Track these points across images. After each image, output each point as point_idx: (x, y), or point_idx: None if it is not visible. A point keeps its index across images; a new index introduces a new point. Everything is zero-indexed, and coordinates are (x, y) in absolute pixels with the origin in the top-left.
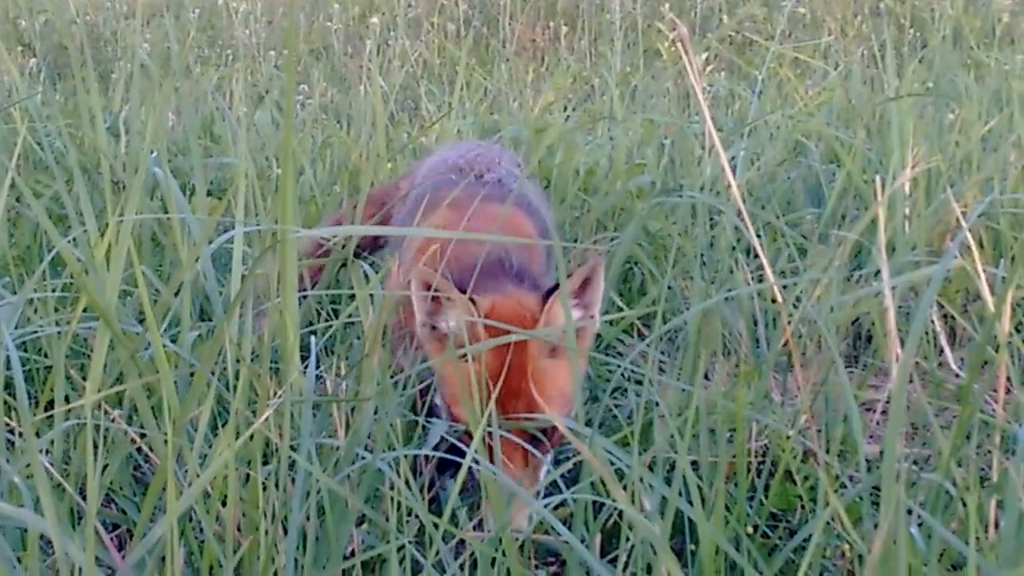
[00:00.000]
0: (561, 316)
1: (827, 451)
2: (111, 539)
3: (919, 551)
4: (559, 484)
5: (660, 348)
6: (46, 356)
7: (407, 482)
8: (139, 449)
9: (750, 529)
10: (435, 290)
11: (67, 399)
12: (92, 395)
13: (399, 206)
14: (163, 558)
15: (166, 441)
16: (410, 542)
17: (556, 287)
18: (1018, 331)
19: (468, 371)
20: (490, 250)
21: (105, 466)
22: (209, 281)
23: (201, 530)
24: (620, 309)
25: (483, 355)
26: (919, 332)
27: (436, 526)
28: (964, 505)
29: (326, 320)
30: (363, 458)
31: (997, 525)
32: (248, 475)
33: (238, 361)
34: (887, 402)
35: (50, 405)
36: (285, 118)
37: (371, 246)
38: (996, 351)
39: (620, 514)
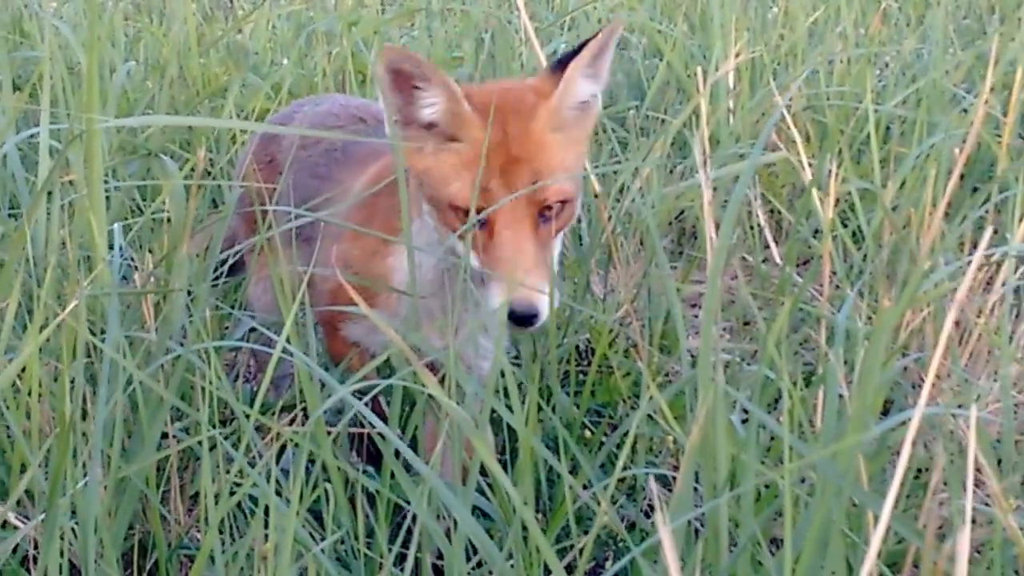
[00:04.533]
0: (578, 89)
1: (650, 345)
2: None
3: (739, 439)
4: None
5: None
6: None
7: (217, 374)
8: None
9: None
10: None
11: None
12: None
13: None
14: None
15: None
16: (224, 436)
17: (571, 56)
18: (844, 226)
19: (459, 152)
20: None
21: None
22: (17, 175)
23: (8, 428)
24: None
25: (476, 133)
26: (733, 216)
27: (248, 417)
28: (790, 397)
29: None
30: (173, 350)
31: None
32: (57, 368)
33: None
34: None
35: None
36: (90, 6)
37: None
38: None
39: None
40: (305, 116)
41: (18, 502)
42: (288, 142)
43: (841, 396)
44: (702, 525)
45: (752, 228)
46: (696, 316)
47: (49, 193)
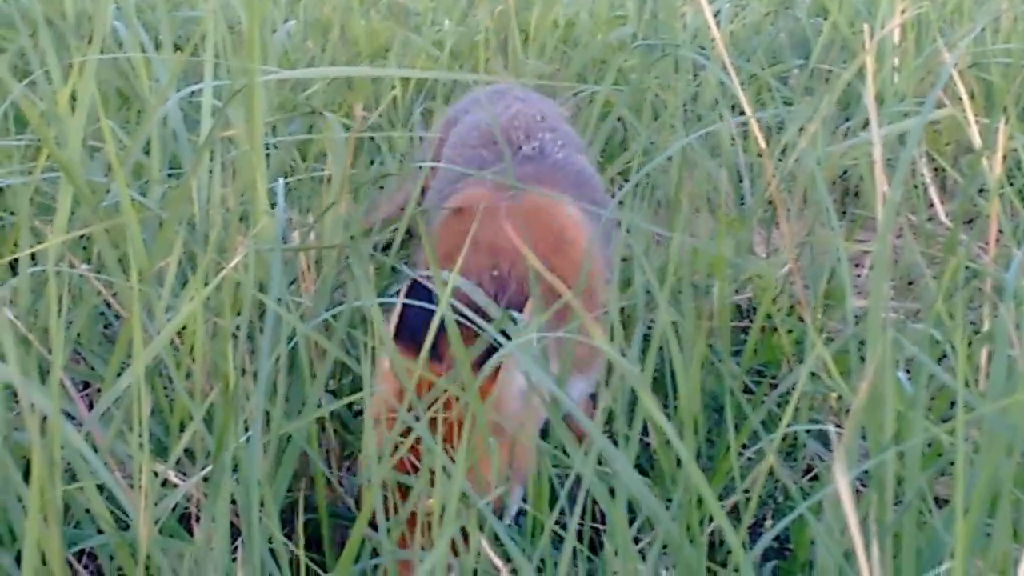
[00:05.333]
0: (515, 385)
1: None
2: (82, 397)
3: (907, 397)
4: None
5: (644, 210)
6: (12, 214)
7: (379, 331)
8: (109, 305)
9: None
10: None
11: (33, 257)
12: (57, 238)
13: (431, 184)
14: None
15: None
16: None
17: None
18: (1011, 184)
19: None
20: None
21: (72, 323)
22: (179, 133)
23: (169, 384)
24: (603, 168)
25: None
26: (904, 172)
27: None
28: (953, 349)
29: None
30: (336, 306)
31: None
32: (216, 325)
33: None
34: None
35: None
36: None
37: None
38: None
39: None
40: (465, 126)
41: (177, 461)
42: (450, 137)
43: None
44: (863, 485)
45: (917, 187)
46: (859, 276)
47: (211, 152)
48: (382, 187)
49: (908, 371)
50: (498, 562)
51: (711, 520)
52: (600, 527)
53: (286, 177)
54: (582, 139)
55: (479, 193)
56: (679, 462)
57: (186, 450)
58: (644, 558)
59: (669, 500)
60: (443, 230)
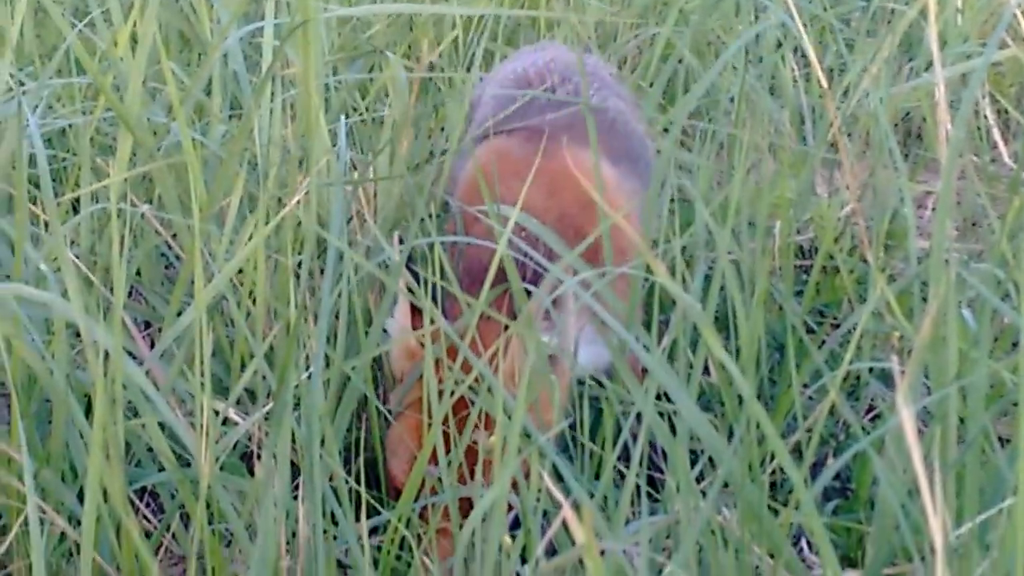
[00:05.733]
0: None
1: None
2: (143, 336)
3: (970, 335)
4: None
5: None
6: (75, 154)
7: (442, 268)
8: (170, 246)
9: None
10: None
11: (95, 196)
12: (118, 177)
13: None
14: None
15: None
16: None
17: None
18: None
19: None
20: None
21: (133, 262)
22: (240, 73)
23: (229, 324)
24: (664, 110)
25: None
26: (968, 111)
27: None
28: (1016, 289)
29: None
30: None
31: None
32: (277, 262)
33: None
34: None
35: (78, 202)
36: None
37: None
38: None
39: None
40: (502, 73)
41: (237, 400)
42: (479, 100)
43: None
44: (924, 424)
45: (979, 129)
46: (920, 217)
47: (272, 92)
48: (443, 128)
49: (971, 310)
50: (560, 497)
51: (772, 458)
52: (658, 476)
53: (347, 117)
54: (639, 84)
55: (506, 146)
56: (740, 400)
57: (247, 389)
58: (705, 496)
59: (730, 438)
60: (467, 186)
